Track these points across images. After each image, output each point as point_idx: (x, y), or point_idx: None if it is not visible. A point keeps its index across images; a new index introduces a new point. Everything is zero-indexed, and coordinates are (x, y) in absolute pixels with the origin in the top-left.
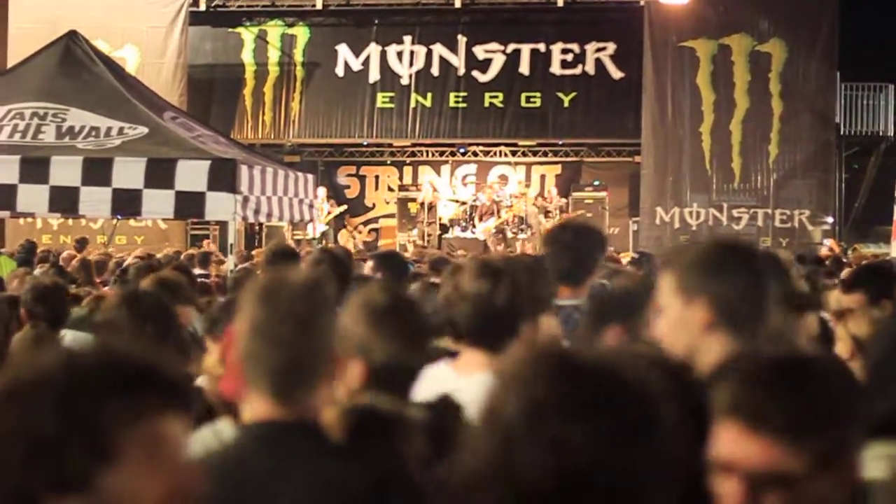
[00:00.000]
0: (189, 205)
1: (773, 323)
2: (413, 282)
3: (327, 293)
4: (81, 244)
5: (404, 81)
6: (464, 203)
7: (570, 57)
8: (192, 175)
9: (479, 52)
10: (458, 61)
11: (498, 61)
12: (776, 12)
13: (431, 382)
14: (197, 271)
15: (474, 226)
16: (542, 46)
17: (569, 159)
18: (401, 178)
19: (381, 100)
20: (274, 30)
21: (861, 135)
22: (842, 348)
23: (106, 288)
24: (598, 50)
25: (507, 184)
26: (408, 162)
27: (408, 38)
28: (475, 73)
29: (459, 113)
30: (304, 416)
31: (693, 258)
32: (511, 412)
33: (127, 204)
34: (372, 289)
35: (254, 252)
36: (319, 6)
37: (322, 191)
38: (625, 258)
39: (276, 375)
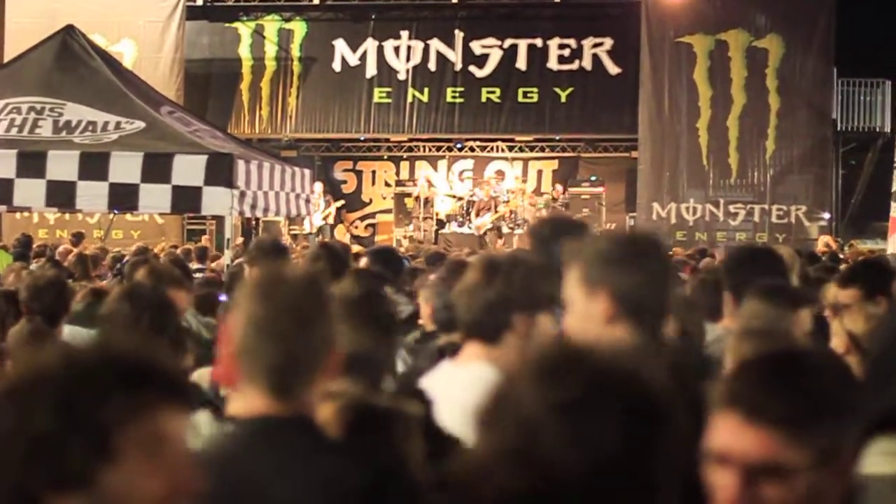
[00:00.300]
0: (186, 199)
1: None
2: (411, 277)
3: (325, 288)
4: (78, 238)
5: (401, 76)
6: (460, 198)
7: (567, 52)
8: (188, 170)
9: (476, 47)
10: (455, 56)
11: (495, 56)
12: (773, 8)
13: (432, 377)
14: (194, 266)
15: (471, 221)
16: (538, 41)
17: (566, 154)
18: (398, 174)
19: (378, 95)
20: (271, 24)
21: (858, 131)
22: (837, 343)
23: (103, 282)
24: (595, 45)
25: (504, 179)
26: (405, 157)
27: (405, 33)
28: (472, 69)
29: (456, 108)
30: (300, 412)
31: (596, 251)
32: (533, 406)
33: (124, 198)
34: (344, 280)
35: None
36: (316, 1)
37: (319, 186)
38: None
39: (274, 371)
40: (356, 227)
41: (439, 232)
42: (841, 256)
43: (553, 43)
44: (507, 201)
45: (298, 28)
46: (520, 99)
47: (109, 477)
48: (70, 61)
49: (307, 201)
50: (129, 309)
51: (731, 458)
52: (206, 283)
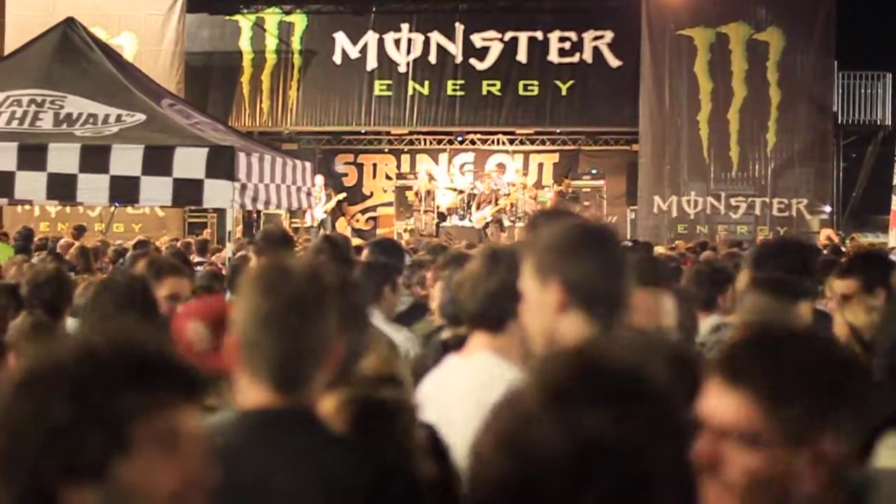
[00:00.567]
0: (187, 192)
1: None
2: (413, 269)
3: (328, 281)
4: (79, 232)
5: (402, 69)
6: (461, 191)
7: (567, 45)
8: (190, 162)
9: (477, 39)
10: (456, 49)
11: (495, 49)
12: (773, 1)
13: (440, 370)
14: (195, 259)
15: (471, 214)
16: (539, 34)
17: (566, 148)
18: (398, 167)
19: (379, 88)
20: (271, 17)
21: (859, 124)
22: (839, 335)
23: (104, 276)
24: (596, 38)
25: (505, 172)
26: (405, 150)
27: (405, 26)
28: (473, 61)
29: (457, 101)
30: (303, 405)
31: (548, 241)
32: (532, 398)
33: (125, 191)
34: None
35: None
36: None
37: (320, 178)
38: None
39: (277, 364)
40: (357, 221)
41: (440, 225)
42: (843, 249)
43: (554, 36)
44: (508, 194)
45: (299, 21)
46: (520, 92)
47: (124, 470)
48: (71, 54)
49: (308, 194)
50: (108, 300)
51: (708, 422)
52: (209, 277)
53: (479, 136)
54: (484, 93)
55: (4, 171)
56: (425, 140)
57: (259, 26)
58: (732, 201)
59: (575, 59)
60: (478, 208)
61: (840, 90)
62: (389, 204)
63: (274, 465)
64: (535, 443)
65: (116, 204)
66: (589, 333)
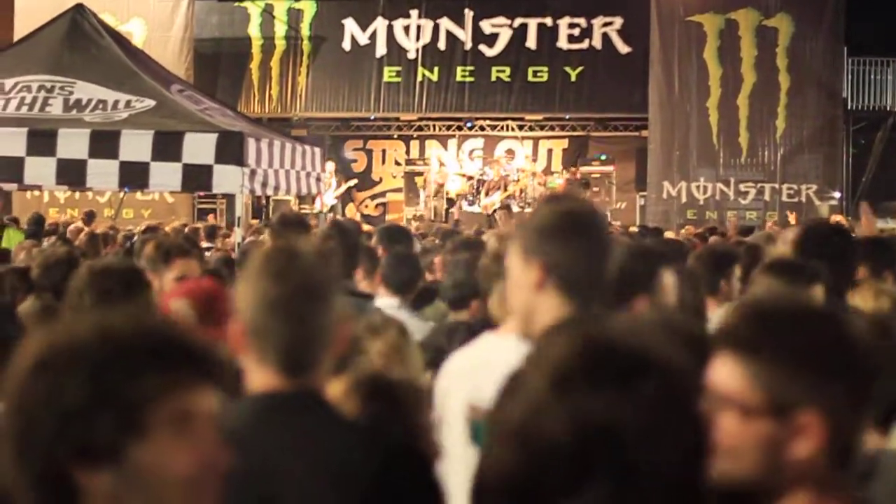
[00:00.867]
0: (196, 178)
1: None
2: (422, 255)
3: (334, 265)
4: (90, 217)
5: (411, 55)
6: (470, 177)
7: (577, 31)
8: (199, 148)
9: (486, 26)
10: (465, 35)
11: (505, 35)
12: None
13: (472, 349)
14: (204, 244)
15: (480, 200)
16: (548, 21)
17: (576, 134)
18: (408, 152)
19: (388, 74)
20: (280, 4)
21: (868, 109)
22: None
23: None
24: (605, 24)
25: (515, 158)
26: (415, 136)
27: (414, 13)
28: (482, 48)
29: (466, 87)
30: (311, 388)
31: (534, 222)
32: (538, 380)
33: (134, 177)
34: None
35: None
36: None
37: (331, 165)
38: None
39: (287, 350)
40: (366, 206)
41: (449, 211)
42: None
43: (563, 22)
44: (517, 180)
45: (308, 7)
46: (530, 78)
47: (138, 453)
48: (80, 40)
49: (318, 180)
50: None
51: (707, 387)
52: (220, 262)
53: (488, 122)
54: (493, 79)
55: (14, 156)
56: (434, 126)
57: (268, 13)
58: (742, 187)
59: (584, 45)
60: (487, 194)
61: (849, 76)
62: (399, 190)
63: (282, 448)
64: (541, 433)
65: (126, 189)
66: (565, 313)
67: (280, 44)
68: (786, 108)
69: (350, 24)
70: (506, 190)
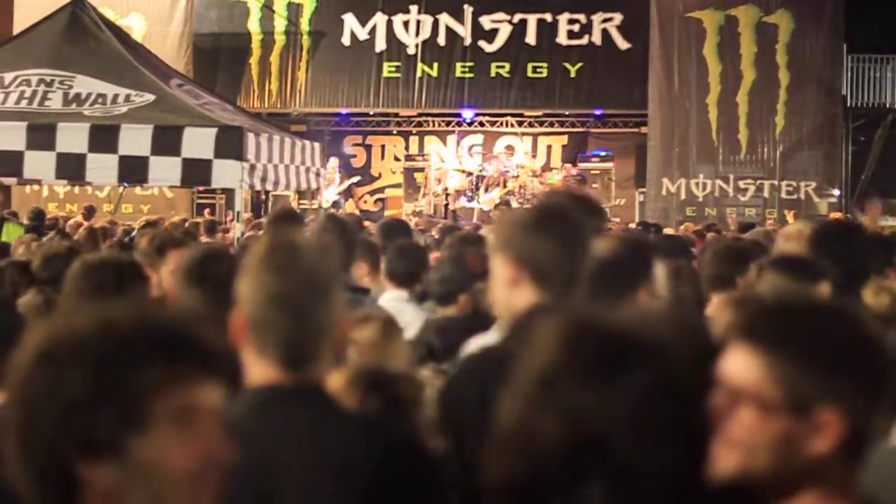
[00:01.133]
0: (196, 172)
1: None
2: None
3: (334, 257)
4: (90, 212)
5: (410, 51)
6: (470, 173)
7: (576, 27)
8: (198, 142)
9: (486, 21)
10: (465, 31)
11: (504, 31)
12: None
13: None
14: (204, 239)
15: (480, 196)
16: (548, 16)
17: (575, 130)
18: (407, 148)
19: (388, 69)
20: None
21: (868, 107)
22: None
23: None
24: (605, 20)
25: (514, 154)
26: (414, 132)
27: (414, 8)
28: (481, 43)
29: (466, 83)
30: (311, 381)
31: (508, 219)
32: (527, 377)
33: (134, 171)
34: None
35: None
36: None
37: (334, 161)
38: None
39: (289, 343)
40: (365, 202)
41: (448, 207)
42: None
43: (563, 18)
44: (517, 176)
45: (307, 2)
46: (529, 74)
47: (140, 447)
48: (79, 34)
49: (317, 175)
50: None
51: (721, 379)
52: None
53: (487, 118)
54: (493, 75)
55: (13, 150)
56: (434, 122)
57: (268, 7)
58: (741, 184)
59: (584, 41)
60: (486, 191)
61: (849, 73)
62: (398, 185)
63: (283, 441)
64: (533, 435)
65: (125, 184)
66: (539, 302)
67: (279, 39)
68: (785, 105)
69: (349, 20)
70: (505, 186)
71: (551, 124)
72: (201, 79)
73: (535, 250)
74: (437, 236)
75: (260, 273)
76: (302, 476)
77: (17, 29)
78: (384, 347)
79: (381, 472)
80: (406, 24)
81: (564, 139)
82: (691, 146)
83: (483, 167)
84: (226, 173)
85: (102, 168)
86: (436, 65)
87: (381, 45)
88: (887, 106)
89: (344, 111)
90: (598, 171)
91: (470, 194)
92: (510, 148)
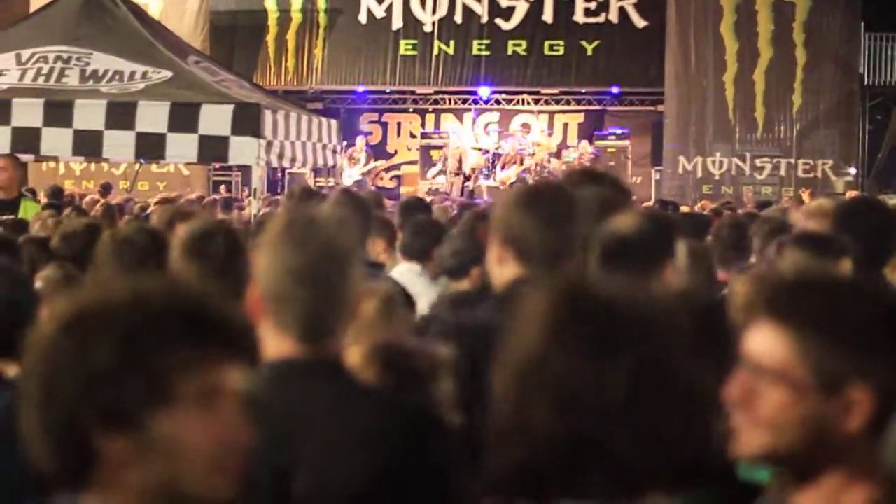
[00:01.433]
0: (213, 149)
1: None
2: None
3: (354, 230)
4: (106, 189)
5: (427, 29)
6: (486, 151)
7: (593, 5)
8: (215, 119)
9: None
10: (482, 9)
11: (521, 9)
12: None
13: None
14: (220, 216)
15: (496, 174)
16: None
17: (591, 108)
18: (423, 125)
19: (404, 47)
20: None
21: (885, 85)
22: None
23: None
24: None
25: (530, 132)
26: (430, 109)
27: None
28: (498, 21)
29: (482, 61)
30: (329, 355)
31: (500, 200)
32: (518, 356)
33: (150, 148)
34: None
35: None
36: None
37: (361, 140)
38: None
39: (308, 317)
40: (381, 179)
41: (465, 184)
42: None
43: None
44: (533, 154)
45: None
46: (546, 52)
47: (160, 423)
48: (96, 11)
49: (334, 152)
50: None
51: (746, 356)
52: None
53: (504, 96)
54: (509, 53)
55: (31, 126)
56: (450, 100)
57: None
58: (757, 162)
59: (601, 19)
60: (503, 168)
61: (866, 51)
62: (414, 162)
63: (301, 415)
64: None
65: (142, 161)
66: (521, 275)
67: (296, 16)
68: (802, 83)
69: None
70: (522, 164)
71: (567, 102)
72: (218, 56)
73: (517, 228)
74: (455, 212)
75: (278, 247)
76: (320, 450)
77: (34, 6)
78: (382, 324)
79: (398, 446)
80: (423, 1)
81: (581, 117)
82: (708, 124)
83: (500, 145)
84: (243, 150)
85: (120, 145)
86: (452, 42)
87: (397, 22)
88: None
89: (360, 89)
90: (614, 150)
91: (487, 172)
92: (526, 126)
